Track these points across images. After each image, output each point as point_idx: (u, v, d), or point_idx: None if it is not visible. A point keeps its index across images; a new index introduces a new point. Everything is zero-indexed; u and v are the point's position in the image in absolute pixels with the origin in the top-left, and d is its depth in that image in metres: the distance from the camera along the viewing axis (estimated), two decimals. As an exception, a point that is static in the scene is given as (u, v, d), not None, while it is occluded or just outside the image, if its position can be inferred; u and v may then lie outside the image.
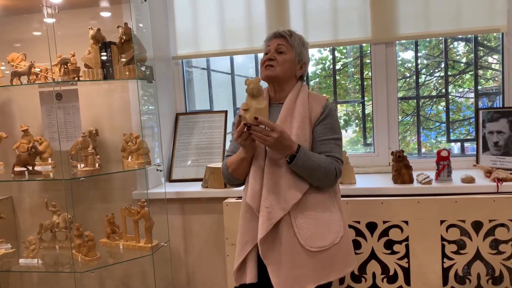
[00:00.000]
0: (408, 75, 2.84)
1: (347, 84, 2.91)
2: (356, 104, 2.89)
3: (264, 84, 1.77)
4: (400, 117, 2.77)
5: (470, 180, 2.28)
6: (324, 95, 1.85)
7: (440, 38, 2.73)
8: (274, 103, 1.85)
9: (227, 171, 1.85)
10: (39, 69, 2.42)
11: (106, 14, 2.66)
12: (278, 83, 1.83)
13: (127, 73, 2.31)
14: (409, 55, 2.83)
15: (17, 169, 2.36)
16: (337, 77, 2.87)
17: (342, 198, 2.27)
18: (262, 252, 1.73)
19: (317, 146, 1.76)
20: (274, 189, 1.71)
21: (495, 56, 2.73)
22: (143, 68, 2.41)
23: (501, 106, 2.65)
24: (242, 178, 1.83)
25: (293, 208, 1.71)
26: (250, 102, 1.65)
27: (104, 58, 2.31)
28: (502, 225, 2.18)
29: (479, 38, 2.71)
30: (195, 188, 2.60)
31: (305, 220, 1.71)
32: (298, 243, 1.70)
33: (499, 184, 2.23)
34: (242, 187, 1.90)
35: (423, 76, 2.81)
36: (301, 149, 1.67)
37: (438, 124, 2.86)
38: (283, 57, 1.79)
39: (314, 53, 2.91)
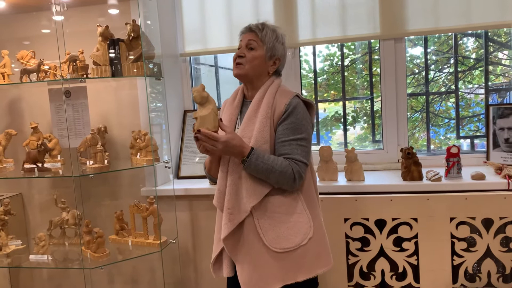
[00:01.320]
0: (416, 71, 2.82)
1: (355, 81, 2.90)
2: (364, 100, 2.87)
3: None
4: (408, 113, 2.75)
5: (480, 177, 2.26)
6: (294, 91, 1.77)
7: (449, 34, 2.71)
8: (248, 100, 1.83)
9: (205, 170, 1.91)
10: (47, 67, 2.43)
11: (114, 12, 2.66)
12: (249, 82, 1.80)
13: (135, 70, 2.31)
14: (417, 51, 2.81)
15: (27, 166, 2.37)
16: (345, 74, 2.85)
17: (351, 195, 2.28)
18: (228, 250, 1.76)
19: (277, 147, 1.71)
20: (236, 191, 1.72)
21: (506, 52, 2.69)
22: (151, 65, 2.41)
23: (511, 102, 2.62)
24: (216, 175, 1.83)
25: (256, 209, 1.70)
26: (197, 111, 1.67)
27: (112, 55, 2.31)
28: (513, 222, 2.16)
29: (489, 34, 2.68)
30: (204, 185, 2.61)
31: (269, 222, 1.70)
32: (263, 244, 1.70)
33: (510, 181, 2.20)
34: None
35: (432, 73, 2.78)
36: (253, 153, 1.65)
37: (447, 120, 2.83)
38: (252, 54, 1.74)
39: (321, 50, 2.90)
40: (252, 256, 1.72)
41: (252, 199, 1.69)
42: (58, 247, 2.55)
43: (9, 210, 2.55)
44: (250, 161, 1.65)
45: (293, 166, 1.67)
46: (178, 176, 2.83)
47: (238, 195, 1.71)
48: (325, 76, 2.93)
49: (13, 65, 2.54)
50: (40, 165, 2.36)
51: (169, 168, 2.64)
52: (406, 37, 2.67)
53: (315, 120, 1.90)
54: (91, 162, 2.36)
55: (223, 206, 1.74)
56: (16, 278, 2.91)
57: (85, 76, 2.36)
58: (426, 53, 2.74)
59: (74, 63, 2.33)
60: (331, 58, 2.94)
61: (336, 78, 2.91)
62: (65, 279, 2.88)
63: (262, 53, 1.75)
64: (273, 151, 1.72)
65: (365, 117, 2.91)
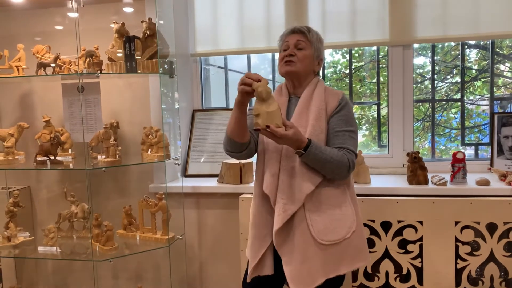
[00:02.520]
0: (419, 80, 2.87)
1: (358, 88, 2.94)
2: (367, 108, 2.92)
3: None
4: (411, 122, 2.80)
5: (485, 182, 2.31)
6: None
7: (453, 45, 2.76)
8: (292, 96, 1.89)
9: (226, 136, 1.83)
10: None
11: (128, 10, 2.71)
12: (297, 79, 1.86)
13: (150, 67, 2.35)
14: (420, 60, 2.86)
15: (39, 158, 2.40)
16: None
17: (358, 197, 2.31)
18: (276, 244, 1.76)
19: (331, 137, 1.78)
20: (290, 181, 1.75)
21: (507, 64, 2.75)
22: (165, 65, 2.45)
23: (516, 111, 2.67)
24: (238, 139, 1.79)
25: (307, 200, 1.73)
26: (261, 107, 1.63)
27: (127, 52, 2.35)
28: (517, 227, 2.20)
29: (495, 44, 2.73)
30: (211, 183, 2.64)
31: (318, 214, 1.74)
32: (310, 236, 1.72)
33: (514, 187, 2.25)
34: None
35: (435, 82, 2.84)
36: (312, 144, 1.69)
37: (448, 130, 2.88)
38: (303, 53, 1.82)
39: (326, 56, 2.94)
40: (300, 248, 1.72)
41: (306, 187, 1.72)
42: (66, 240, 2.58)
43: (18, 202, 2.57)
44: (310, 151, 1.68)
45: (348, 155, 1.73)
46: (185, 174, 2.86)
47: (291, 185, 1.74)
48: (328, 83, 2.98)
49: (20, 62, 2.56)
50: (52, 157, 2.39)
51: (178, 165, 2.68)
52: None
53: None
54: (103, 156, 2.39)
55: (276, 197, 1.75)
56: (21, 271, 2.93)
57: (99, 71, 2.40)
58: (433, 60, 2.79)
59: (90, 58, 2.37)
60: (335, 65, 2.99)
61: (339, 84, 2.96)
62: (70, 273, 2.89)
63: (311, 52, 1.84)
64: (325, 141, 1.78)
65: (366, 125, 2.96)
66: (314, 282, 1.71)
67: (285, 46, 1.85)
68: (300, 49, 1.82)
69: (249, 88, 1.64)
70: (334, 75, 2.98)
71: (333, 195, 1.78)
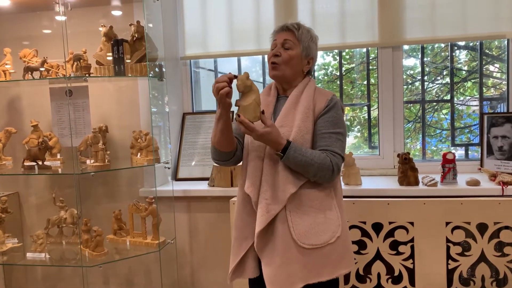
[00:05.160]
0: (410, 81, 2.88)
1: (349, 90, 2.94)
2: (358, 109, 2.92)
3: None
4: (402, 123, 2.80)
5: (475, 183, 2.31)
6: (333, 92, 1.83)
7: (443, 46, 2.78)
8: (281, 96, 1.85)
9: (212, 147, 1.80)
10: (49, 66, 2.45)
11: (117, 13, 2.69)
12: (285, 82, 1.81)
13: (138, 70, 2.34)
14: (411, 62, 2.87)
15: (27, 163, 2.38)
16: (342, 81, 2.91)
17: (349, 199, 2.31)
18: (257, 246, 1.72)
19: (317, 139, 1.73)
20: (273, 181, 1.70)
21: (497, 65, 2.77)
22: (155, 68, 2.44)
23: (505, 111, 2.69)
24: (225, 149, 1.77)
25: (289, 202, 1.69)
26: (239, 100, 1.65)
27: (116, 55, 2.33)
28: (507, 227, 2.20)
29: (484, 46, 2.75)
30: (202, 187, 2.63)
31: (300, 216, 1.69)
32: (292, 239, 1.68)
33: (504, 187, 2.26)
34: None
35: (425, 83, 2.85)
36: (291, 146, 1.65)
37: (439, 131, 2.89)
38: (289, 53, 1.75)
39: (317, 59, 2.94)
40: (280, 250, 1.68)
41: (289, 188, 1.68)
42: (55, 246, 2.55)
43: (6, 208, 2.54)
44: (289, 153, 1.64)
45: (331, 158, 1.68)
46: (176, 178, 2.85)
47: (275, 185, 1.70)
48: (320, 85, 2.98)
49: (8, 66, 2.53)
50: (40, 162, 2.36)
51: (168, 168, 2.66)
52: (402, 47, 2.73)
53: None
54: (92, 161, 2.37)
55: (258, 198, 1.71)
56: (9, 278, 2.89)
57: (87, 75, 2.37)
58: (423, 62, 2.80)
59: (78, 62, 2.35)
60: (326, 67, 2.99)
61: (331, 86, 2.96)
62: (60, 279, 2.86)
63: (299, 52, 1.77)
64: (312, 143, 1.74)
65: (358, 126, 2.96)
66: (292, 286, 1.67)
67: (273, 45, 1.81)
68: (287, 49, 1.76)
69: (225, 84, 1.60)
70: (325, 77, 2.98)
71: (317, 198, 1.72)
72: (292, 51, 1.76)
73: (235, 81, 1.65)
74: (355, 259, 2.33)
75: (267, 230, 1.71)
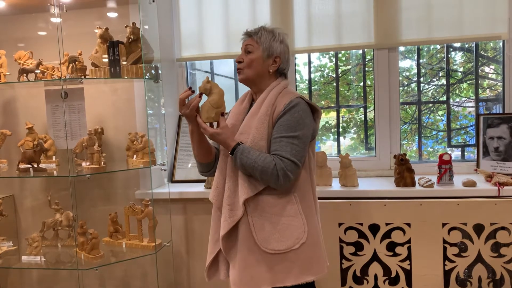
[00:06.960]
0: (406, 83, 2.88)
1: (345, 92, 2.94)
2: (355, 111, 2.92)
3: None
4: (398, 125, 2.81)
5: (471, 184, 2.31)
6: (298, 93, 1.78)
7: (438, 48, 2.79)
8: (254, 101, 1.86)
9: (195, 160, 1.90)
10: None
11: (112, 15, 2.68)
12: (253, 85, 1.83)
13: (134, 72, 2.33)
14: (407, 63, 2.88)
15: (22, 166, 2.36)
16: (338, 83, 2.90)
17: (345, 200, 2.31)
18: (224, 249, 1.77)
19: (271, 144, 1.71)
20: (234, 187, 1.74)
21: (492, 66, 2.78)
22: (152, 70, 2.43)
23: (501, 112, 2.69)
24: (205, 160, 1.86)
25: (250, 206, 1.71)
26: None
27: (111, 57, 2.32)
28: (503, 228, 2.21)
29: (479, 47, 2.76)
30: (198, 189, 2.62)
31: (262, 221, 1.71)
32: (254, 243, 1.71)
33: (500, 188, 2.26)
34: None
35: (421, 85, 2.85)
36: (238, 148, 1.68)
37: (435, 132, 2.89)
38: (249, 57, 1.78)
39: (313, 60, 2.94)
40: (243, 254, 1.72)
41: (244, 193, 1.70)
42: (51, 248, 2.53)
43: (1, 211, 2.52)
44: (235, 155, 1.68)
45: (277, 162, 1.64)
46: (172, 180, 2.84)
47: (236, 191, 1.73)
48: (316, 87, 2.98)
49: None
50: (35, 165, 2.35)
51: (164, 170, 2.65)
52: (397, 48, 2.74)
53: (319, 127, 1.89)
54: (88, 163, 2.35)
55: (222, 203, 1.76)
56: (5, 282, 2.87)
57: (83, 77, 2.36)
58: (419, 63, 2.81)
59: (73, 64, 2.34)
60: (322, 69, 2.99)
61: (327, 88, 2.96)
62: (55, 283, 2.84)
63: (259, 54, 1.77)
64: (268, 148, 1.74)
65: (355, 128, 2.96)
66: (257, 287, 1.71)
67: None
68: (249, 53, 1.79)
69: (187, 93, 1.74)
70: (322, 79, 2.98)
71: (276, 204, 1.71)
72: (252, 54, 1.78)
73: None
74: (351, 260, 2.33)
75: (231, 234, 1.75)
